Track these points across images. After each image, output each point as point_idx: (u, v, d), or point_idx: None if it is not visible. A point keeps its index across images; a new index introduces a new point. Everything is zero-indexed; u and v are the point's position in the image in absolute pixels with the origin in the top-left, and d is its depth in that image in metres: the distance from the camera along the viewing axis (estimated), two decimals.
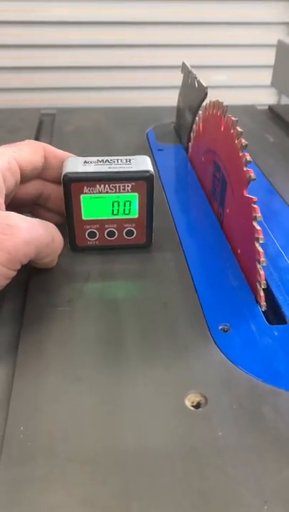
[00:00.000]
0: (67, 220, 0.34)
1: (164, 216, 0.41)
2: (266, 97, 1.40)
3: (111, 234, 0.35)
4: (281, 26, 1.56)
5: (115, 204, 0.34)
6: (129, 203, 0.34)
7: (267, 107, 0.68)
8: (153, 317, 0.30)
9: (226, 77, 1.61)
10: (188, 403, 0.24)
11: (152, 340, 0.28)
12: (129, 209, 0.34)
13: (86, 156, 0.35)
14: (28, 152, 0.33)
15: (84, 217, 0.34)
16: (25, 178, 0.33)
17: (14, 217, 0.28)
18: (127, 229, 0.35)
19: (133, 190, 0.33)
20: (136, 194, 0.34)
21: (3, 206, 0.29)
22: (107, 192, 0.33)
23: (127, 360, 0.27)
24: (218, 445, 0.22)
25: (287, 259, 0.35)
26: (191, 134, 0.50)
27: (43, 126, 0.61)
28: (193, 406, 0.24)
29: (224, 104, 0.38)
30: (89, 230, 0.35)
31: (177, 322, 0.29)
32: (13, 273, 0.28)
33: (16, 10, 1.17)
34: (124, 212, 0.34)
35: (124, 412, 0.24)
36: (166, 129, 0.59)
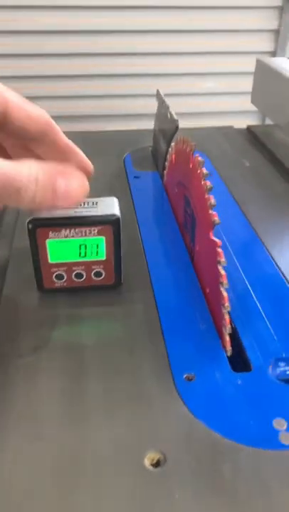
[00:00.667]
0: (33, 263, 0.34)
1: (136, 250, 0.41)
2: (252, 104, 1.40)
3: (79, 276, 0.35)
4: (268, 33, 1.57)
5: (82, 247, 0.34)
6: (96, 246, 0.34)
7: (245, 127, 0.69)
8: (118, 366, 0.30)
9: (214, 84, 1.62)
10: (147, 462, 0.24)
11: (116, 392, 0.28)
12: (97, 251, 0.34)
13: None
14: None
15: (50, 261, 0.34)
16: None
17: None
18: (95, 270, 0.35)
19: (99, 233, 0.33)
20: (102, 237, 0.34)
21: None
22: (73, 236, 0.33)
23: (89, 416, 0.27)
24: (175, 510, 0.22)
25: (256, 299, 0.35)
26: (166, 162, 0.50)
27: None
28: (152, 464, 0.24)
29: (192, 142, 0.38)
30: (56, 273, 0.35)
31: (142, 371, 0.29)
32: None
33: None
34: (91, 254, 0.34)
35: (85, 472, 0.24)
36: (143, 153, 0.59)
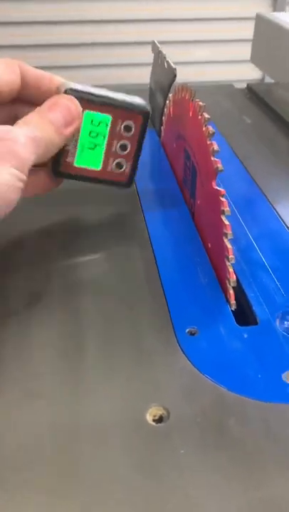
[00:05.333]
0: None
1: (134, 206, 0.39)
2: (251, 72, 1.37)
3: None
4: None
5: None
6: None
7: (245, 86, 0.66)
8: (118, 321, 0.28)
9: (210, 53, 1.56)
10: (149, 418, 0.23)
11: (115, 347, 0.26)
12: None
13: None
14: (3, 71, 0.30)
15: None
16: (2, 101, 0.31)
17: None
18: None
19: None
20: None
21: None
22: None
23: (87, 371, 0.25)
24: (180, 464, 0.21)
25: (260, 253, 0.33)
26: (163, 117, 0.47)
27: None
28: (154, 420, 0.23)
29: (192, 88, 0.36)
30: None
31: (142, 326, 0.28)
32: (26, 178, 0.27)
33: None
34: None
35: (83, 431, 0.22)
36: None
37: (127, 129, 0.33)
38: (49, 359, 0.26)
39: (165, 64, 0.44)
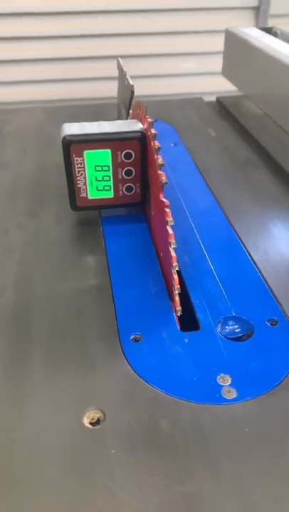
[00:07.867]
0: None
1: (92, 216, 0.40)
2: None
3: None
4: (248, 11, 1.54)
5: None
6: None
7: (215, 99, 0.68)
8: (65, 328, 0.29)
9: (194, 65, 1.59)
10: (86, 421, 0.24)
11: (60, 354, 0.28)
12: None
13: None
14: None
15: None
16: None
17: None
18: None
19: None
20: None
21: None
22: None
23: (28, 379, 0.26)
24: (109, 463, 0.22)
25: (210, 262, 0.35)
26: None
27: None
28: (91, 423, 0.24)
29: (145, 104, 0.37)
30: None
31: (89, 333, 0.29)
32: None
33: None
34: None
35: (19, 434, 0.23)
36: None
37: (128, 156, 0.36)
38: None
39: (125, 81, 0.45)
